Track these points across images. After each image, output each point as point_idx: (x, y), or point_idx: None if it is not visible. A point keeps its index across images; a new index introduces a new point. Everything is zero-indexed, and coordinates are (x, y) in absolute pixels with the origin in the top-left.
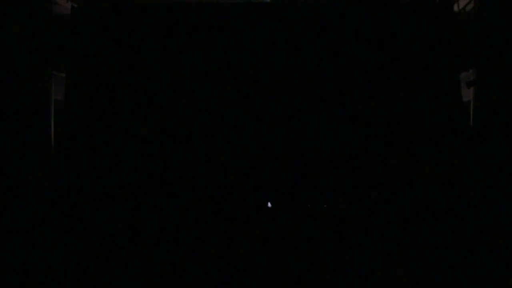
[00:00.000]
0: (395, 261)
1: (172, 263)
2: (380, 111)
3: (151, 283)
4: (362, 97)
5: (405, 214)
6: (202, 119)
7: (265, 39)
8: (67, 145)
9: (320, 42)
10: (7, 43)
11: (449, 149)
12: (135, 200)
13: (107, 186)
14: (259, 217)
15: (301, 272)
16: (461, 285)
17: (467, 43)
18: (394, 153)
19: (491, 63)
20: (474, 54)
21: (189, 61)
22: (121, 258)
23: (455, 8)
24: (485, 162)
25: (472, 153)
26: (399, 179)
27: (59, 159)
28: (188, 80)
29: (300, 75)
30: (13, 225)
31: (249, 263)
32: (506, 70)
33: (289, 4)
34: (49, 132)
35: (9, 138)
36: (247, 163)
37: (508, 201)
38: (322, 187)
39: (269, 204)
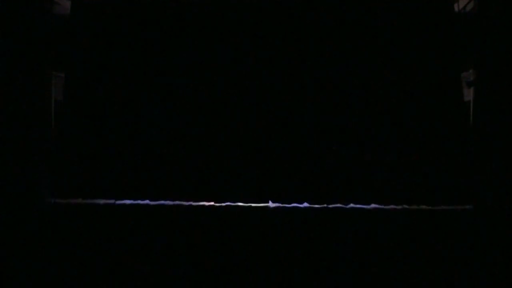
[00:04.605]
0: (396, 261)
1: (171, 263)
2: (381, 111)
3: (151, 283)
4: (363, 97)
5: (406, 213)
6: (202, 118)
7: (265, 39)
8: (67, 145)
9: (319, 42)
10: (7, 43)
11: (449, 149)
12: (135, 200)
13: (108, 186)
14: (259, 217)
15: (302, 273)
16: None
17: (467, 43)
18: (394, 153)
19: (491, 63)
20: (474, 54)
21: (190, 59)
22: (121, 258)
23: (455, 8)
24: (486, 162)
25: (472, 153)
26: (399, 178)
27: (59, 158)
28: (189, 78)
29: (301, 75)
30: (13, 225)
31: (249, 263)
32: (506, 70)
33: (289, 4)
34: (49, 132)
35: (9, 138)
36: (248, 163)
37: (509, 201)
38: (322, 187)
39: (270, 204)
